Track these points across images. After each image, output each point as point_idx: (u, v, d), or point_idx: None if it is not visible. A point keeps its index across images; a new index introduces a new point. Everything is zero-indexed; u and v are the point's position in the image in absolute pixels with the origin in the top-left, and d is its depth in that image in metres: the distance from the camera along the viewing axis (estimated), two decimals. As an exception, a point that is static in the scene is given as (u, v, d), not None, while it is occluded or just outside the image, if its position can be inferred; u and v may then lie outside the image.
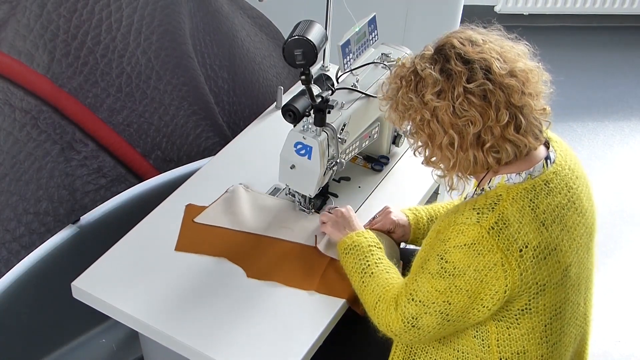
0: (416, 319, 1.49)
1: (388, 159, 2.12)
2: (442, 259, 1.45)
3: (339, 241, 1.73)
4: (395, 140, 2.13)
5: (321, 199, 1.95)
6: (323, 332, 1.66)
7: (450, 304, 1.45)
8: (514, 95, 1.41)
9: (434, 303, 1.47)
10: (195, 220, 1.89)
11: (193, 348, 1.60)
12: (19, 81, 1.93)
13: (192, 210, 1.92)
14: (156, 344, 1.67)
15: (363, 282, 1.62)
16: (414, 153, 1.54)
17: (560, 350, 1.56)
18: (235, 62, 2.44)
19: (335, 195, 1.98)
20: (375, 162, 2.11)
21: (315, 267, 1.77)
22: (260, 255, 1.81)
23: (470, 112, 1.40)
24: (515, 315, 1.48)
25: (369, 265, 1.64)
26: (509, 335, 1.50)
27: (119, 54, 2.12)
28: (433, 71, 1.43)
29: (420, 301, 1.48)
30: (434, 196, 2.20)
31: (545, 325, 1.50)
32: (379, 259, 1.66)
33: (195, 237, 1.85)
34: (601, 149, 3.53)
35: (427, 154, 1.51)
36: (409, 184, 2.06)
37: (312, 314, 1.68)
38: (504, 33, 1.51)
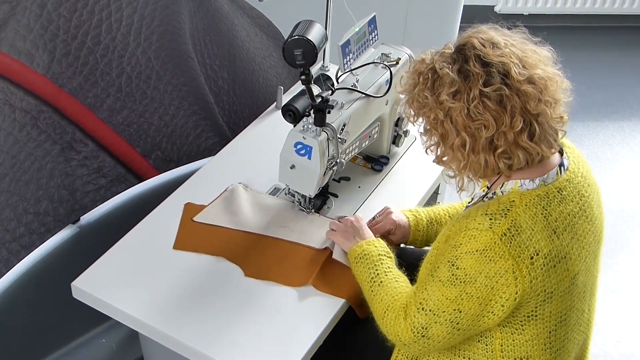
0: (426, 328, 1.48)
1: (388, 159, 2.12)
2: (453, 265, 1.44)
3: (349, 250, 1.73)
4: (395, 140, 2.13)
5: (321, 199, 1.95)
6: (323, 332, 1.66)
7: (460, 312, 1.44)
8: (530, 103, 1.39)
9: (444, 312, 1.45)
10: (194, 219, 1.89)
11: (193, 348, 1.60)
12: (19, 81, 1.93)
13: (191, 209, 1.92)
14: (156, 344, 1.67)
15: (372, 291, 1.62)
16: (426, 151, 1.53)
17: (563, 356, 1.55)
18: (235, 62, 2.44)
19: (335, 195, 1.98)
20: (375, 162, 2.11)
21: (313, 265, 1.77)
22: (258, 255, 1.81)
23: (484, 116, 1.39)
24: (521, 321, 1.47)
25: (377, 274, 1.63)
26: (513, 340, 1.49)
27: (119, 54, 2.12)
28: (451, 71, 1.42)
29: (430, 310, 1.47)
30: (433, 196, 2.20)
31: (550, 332, 1.49)
32: (389, 267, 1.65)
33: (194, 236, 1.85)
34: (601, 149, 3.53)
35: (438, 153, 1.50)
36: (409, 184, 2.06)
37: (312, 314, 1.68)
38: (529, 36, 1.49)
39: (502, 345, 1.50)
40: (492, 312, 1.44)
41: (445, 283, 1.45)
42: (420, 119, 1.51)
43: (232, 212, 1.91)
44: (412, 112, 1.52)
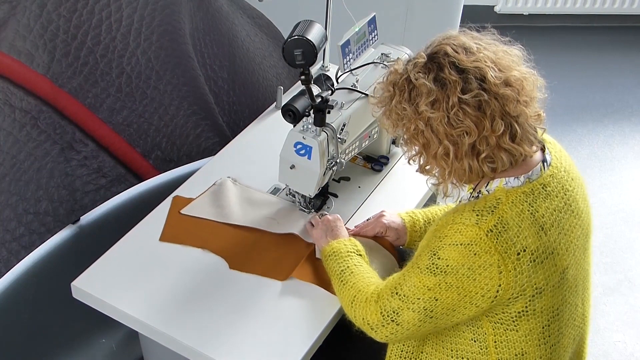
0: (397, 313, 1.48)
1: (388, 159, 2.12)
2: (434, 255, 1.44)
3: (321, 249, 1.74)
4: (395, 140, 2.13)
5: (321, 199, 1.95)
6: (323, 332, 1.66)
7: (437, 300, 1.44)
8: (509, 105, 1.40)
9: (419, 299, 1.45)
10: (182, 212, 1.89)
11: (193, 348, 1.60)
12: (19, 81, 1.94)
13: (179, 202, 1.93)
14: (156, 344, 1.67)
15: (342, 280, 1.62)
16: (409, 161, 1.53)
17: (559, 351, 1.56)
18: (235, 62, 2.44)
19: (335, 195, 1.98)
20: (375, 162, 2.11)
21: (297, 258, 1.78)
22: (243, 248, 1.81)
23: (465, 123, 1.39)
24: (513, 318, 1.47)
25: (348, 267, 1.64)
26: (507, 337, 1.50)
27: (119, 54, 2.12)
28: (426, 81, 1.41)
29: (404, 295, 1.47)
30: (433, 196, 2.20)
31: (544, 327, 1.50)
32: (359, 262, 1.66)
33: (180, 228, 1.85)
34: (601, 149, 3.53)
35: (421, 162, 1.50)
36: (409, 184, 2.06)
37: (312, 313, 1.69)
38: (498, 37, 1.49)
39: (495, 342, 1.50)
40: (472, 303, 1.43)
41: (423, 271, 1.45)
42: (399, 130, 1.51)
43: (219, 205, 1.91)
44: (390, 124, 1.51)
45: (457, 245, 1.41)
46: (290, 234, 1.85)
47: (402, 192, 2.04)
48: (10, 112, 1.93)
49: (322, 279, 1.74)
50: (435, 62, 1.42)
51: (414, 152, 1.50)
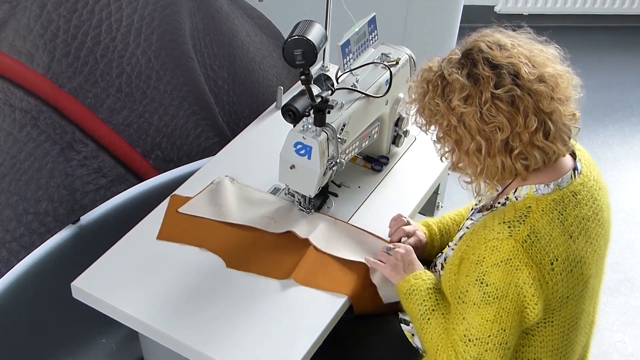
0: (479, 359, 1.45)
1: (388, 159, 2.12)
2: (482, 283, 1.42)
3: (397, 285, 1.67)
4: (395, 140, 2.13)
5: (321, 198, 1.95)
6: (324, 332, 1.66)
7: (504, 330, 1.42)
8: (543, 101, 1.39)
9: (489, 336, 1.43)
10: (179, 210, 1.90)
11: (193, 348, 1.60)
12: (19, 81, 1.94)
13: (176, 201, 1.93)
14: (156, 344, 1.67)
15: (422, 328, 1.58)
16: (441, 158, 1.52)
17: (571, 358, 1.56)
18: (235, 62, 2.44)
19: (335, 195, 1.98)
20: (375, 162, 2.11)
21: (295, 257, 1.78)
22: (241, 246, 1.81)
23: (498, 118, 1.38)
24: (534, 326, 1.47)
25: (426, 310, 1.58)
26: (525, 343, 1.49)
27: (119, 54, 2.12)
28: (460, 76, 1.41)
29: (476, 339, 1.44)
30: (433, 196, 2.20)
31: (561, 336, 1.49)
32: (436, 301, 1.60)
33: (178, 227, 1.85)
34: (601, 149, 3.53)
35: (454, 159, 1.49)
36: (409, 184, 2.06)
37: (313, 313, 1.68)
38: (534, 36, 1.49)
39: (515, 349, 1.50)
40: (529, 319, 1.43)
41: (480, 305, 1.43)
42: (433, 127, 1.50)
43: (216, 204, 1.91)
44: (424, 121, 1.51)
45: (498, 264, 1.40)
46: (288, 232, 1.85)
47: (402, 192, 2.04)
48: (10, 112, 1.93)
49: (322, 282, 1.73)
50: (470, 58, 1.42)
51: (446, 149, 1.49)
